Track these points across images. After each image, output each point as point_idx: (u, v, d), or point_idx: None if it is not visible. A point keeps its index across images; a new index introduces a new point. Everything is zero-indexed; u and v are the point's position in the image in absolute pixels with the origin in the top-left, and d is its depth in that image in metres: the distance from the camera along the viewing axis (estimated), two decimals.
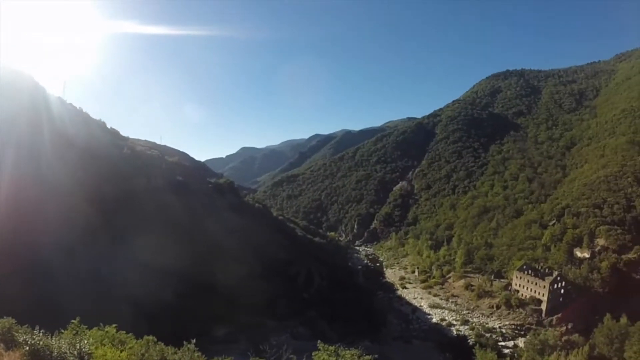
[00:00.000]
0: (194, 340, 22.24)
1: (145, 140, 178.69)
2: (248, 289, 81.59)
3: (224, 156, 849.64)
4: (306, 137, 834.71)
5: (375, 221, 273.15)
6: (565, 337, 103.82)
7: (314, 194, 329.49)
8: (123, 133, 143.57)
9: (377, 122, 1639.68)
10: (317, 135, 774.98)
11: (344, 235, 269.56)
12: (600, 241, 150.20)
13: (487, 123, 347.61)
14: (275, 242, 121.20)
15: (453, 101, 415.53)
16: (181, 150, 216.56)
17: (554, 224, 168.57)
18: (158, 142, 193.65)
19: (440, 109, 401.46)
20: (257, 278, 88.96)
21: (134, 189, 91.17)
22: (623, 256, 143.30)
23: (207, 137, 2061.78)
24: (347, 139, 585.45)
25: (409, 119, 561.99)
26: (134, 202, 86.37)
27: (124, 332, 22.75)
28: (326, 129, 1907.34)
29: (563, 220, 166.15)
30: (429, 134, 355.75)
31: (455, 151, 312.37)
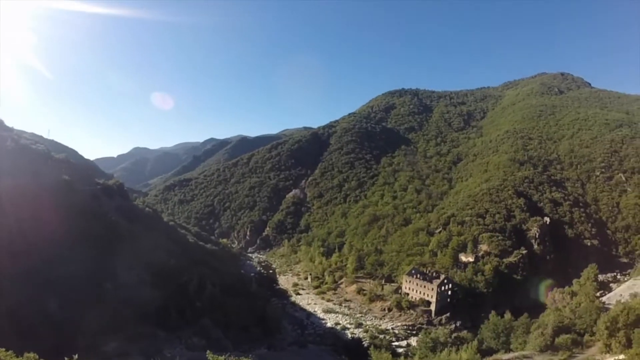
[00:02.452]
0: (76, 356, 19.67)
1: (32, 133, 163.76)
2: (137, 298, 76.69)
3: (115, 155, 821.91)
4: (201, 140, 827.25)
5: (267, 228, 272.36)
6: (454, 334, 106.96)
7: (207, 199, 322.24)
8: (8, 123, 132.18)
9: (273, 129, 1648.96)
10: (212, 139, 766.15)
11: (236, 242, 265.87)
12: (483, 247, 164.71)
13: (380, 136, 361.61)
14: (165, 249, 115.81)
15: (349, 114, 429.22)
16: (70, 147, 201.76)
17: (440, 232, 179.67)
18: (45, 136, 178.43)
19: (336, 121, 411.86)
20: (147, 286, 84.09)
21: (17, 184, 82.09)
22: (504, 260, 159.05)
23: (98, 133, 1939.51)
24: (243, 144, 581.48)
25: (305, 128, 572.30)
26: (13, 201, 77.53)
27: (3, 349, 19.59)
28: (222, 134, 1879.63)
29: (449, 228, 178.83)
30: (323, 144, 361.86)
31: (348, 162, 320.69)
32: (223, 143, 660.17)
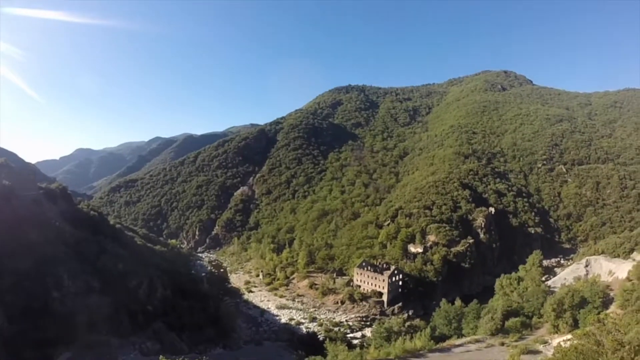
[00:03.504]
0: None
1: None
2: (86, 306, 74.85)
3: (57, 158, 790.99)
4: (146, 139, 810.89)
5: (217, 227, 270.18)
6: (408, 323, 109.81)
7: (154, 199, 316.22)
8: None
9: (220, 127, 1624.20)
10: (157, 138, 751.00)
11: (185, 243, 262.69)
12: (431, 237, 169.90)
13: (327, 132, 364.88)
14: (113, 253, 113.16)
15: (296, 110, 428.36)
16: (9, 150, 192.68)
17: (389, 224, 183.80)
18: None
19: (283, 117, 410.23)
20: (95, 293, 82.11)
21: None
22: (452, 249, 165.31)
23: (40, 135, 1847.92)
24: (189, 143, 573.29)
25: (252, 125, 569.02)
26: None
27: None
28: (167, 132, 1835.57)
29: (397, 221, 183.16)
30: (270, 141, 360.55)
31: (295, 158, 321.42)
32: (169, 142, 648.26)
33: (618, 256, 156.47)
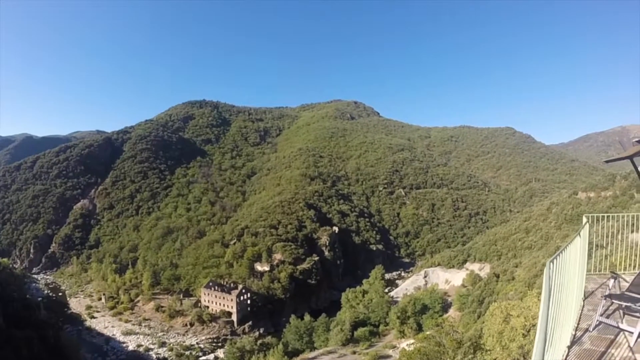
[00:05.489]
0: None
1: None
2: None
3: None
4: None
5: (54, 244, 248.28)
6: (260, 341, 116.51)
7: None
8: None
9: (63, 129, 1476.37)
10: None
11: (19, 262, 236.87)
12: (277, 256, 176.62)
13: (176, 146, 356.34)
14: None
15: (146, 120, 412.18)
16: None
17: (235, 243, 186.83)
18: None
19: (132, 127, 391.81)
20: None
21: None
22: (298, 267, 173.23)
23: None
24: (28, 144, 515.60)
25: (98, 132, 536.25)
26: None
27: None
28: (4, 130, 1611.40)
29: (243, 239, 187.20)
30: (116, 151, 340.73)
31: (141, 171, 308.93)
32: (5, 142, 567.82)
33: (453, 267, 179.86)
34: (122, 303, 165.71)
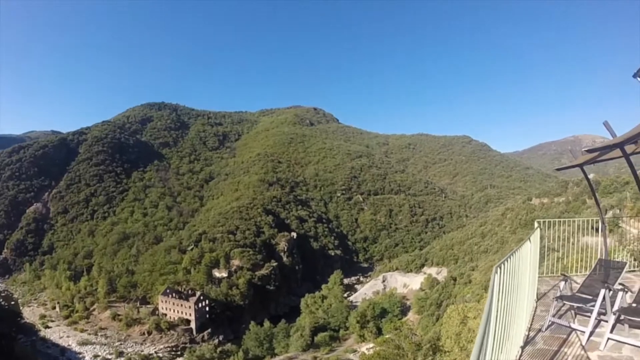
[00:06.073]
0: None
1: None
2: None
3: None
4: None
5: (5, 250, 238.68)
6: (219, 349, 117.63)
7: None
8: None
9: (18, 129, 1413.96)
10: None
11: None
12: (236, 262, 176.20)
13: (133, 149, 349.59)
14: None
15: (103, 121, 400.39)
16: None
17: (192, 249, 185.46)
18: None
19: (88, 128, 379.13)
20: None
21: None
22: (257, 273, 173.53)
23: None
24: None
25: (54, 132, 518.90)
26: None
27: None
28: None
29: (201, 245, 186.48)
30: (72, 152, 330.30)
31: (97, 174, 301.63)
32: None
33: (411, 271, 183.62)
34: (77, 312, 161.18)
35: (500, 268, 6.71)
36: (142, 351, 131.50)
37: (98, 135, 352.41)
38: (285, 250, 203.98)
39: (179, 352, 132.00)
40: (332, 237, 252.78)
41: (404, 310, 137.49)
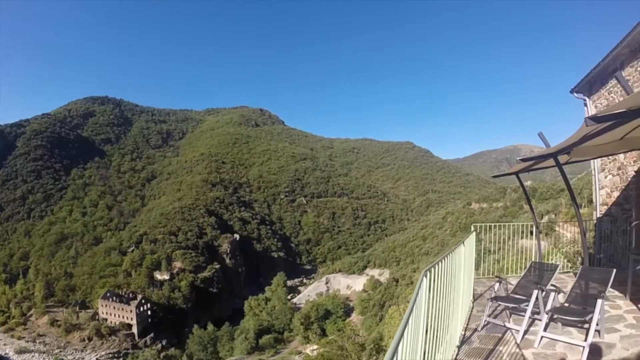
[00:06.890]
0: None
1: None
2: None
3: None
4: None
5: None
6: (163, 353, 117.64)
7: None
8: None
9: None
10: None
11: None
12: (177, 264, 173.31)
13: (73, 145, 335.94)
14: None
15: (43, 114, 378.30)
16: None
17: (133, 251, 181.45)
18: None
19: (27, 120, 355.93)
20: None
21: None
22: (199, 275, 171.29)
23: None
24: None
25: None
26: None
27: None
28: None
29: (142, 247, 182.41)
30: (9, 146, 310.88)
31: (35, 170, 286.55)
32: None
33: (354, 273, 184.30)
34: (13, 317, 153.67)
35: (430, 272, 7.05)
36: (82, 358, 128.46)
37: (37, 129, 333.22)
38: (228, 252, 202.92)
39: (121, 358, 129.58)
40: (276, 239, 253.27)
41: (348, 312, 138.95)
